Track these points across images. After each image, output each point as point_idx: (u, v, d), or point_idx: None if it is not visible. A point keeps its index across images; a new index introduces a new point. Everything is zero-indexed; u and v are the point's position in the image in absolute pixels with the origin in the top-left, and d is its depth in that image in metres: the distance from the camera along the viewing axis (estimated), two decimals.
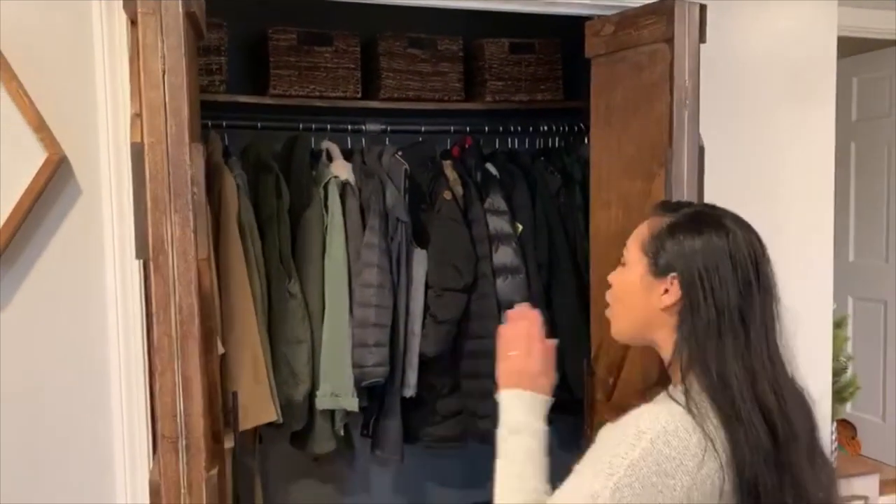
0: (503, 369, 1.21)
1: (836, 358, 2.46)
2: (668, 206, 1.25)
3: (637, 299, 1.18)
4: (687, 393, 1.08)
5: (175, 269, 1.54)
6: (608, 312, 1.26)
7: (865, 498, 2.57)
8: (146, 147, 1.52)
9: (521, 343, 1.22)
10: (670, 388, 1.13)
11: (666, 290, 1.13)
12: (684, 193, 1.89)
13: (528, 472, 1.14)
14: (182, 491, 1.58)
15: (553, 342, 1.27)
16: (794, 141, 2.36)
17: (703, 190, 1.93)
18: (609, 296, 1.25)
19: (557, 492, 1.10)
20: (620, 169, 2.03)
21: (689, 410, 1.06)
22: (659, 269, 1.14)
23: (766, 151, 2.33)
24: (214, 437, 1.66)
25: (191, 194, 1.54)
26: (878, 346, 3.90)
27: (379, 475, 2.83)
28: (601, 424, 1.28)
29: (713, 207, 1.23)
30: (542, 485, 1.14)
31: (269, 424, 2.12)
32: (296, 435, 2.25)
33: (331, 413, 2.19)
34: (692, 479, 1.03)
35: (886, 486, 3.47)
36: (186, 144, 1.53)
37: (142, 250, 1.55)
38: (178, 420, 1.56)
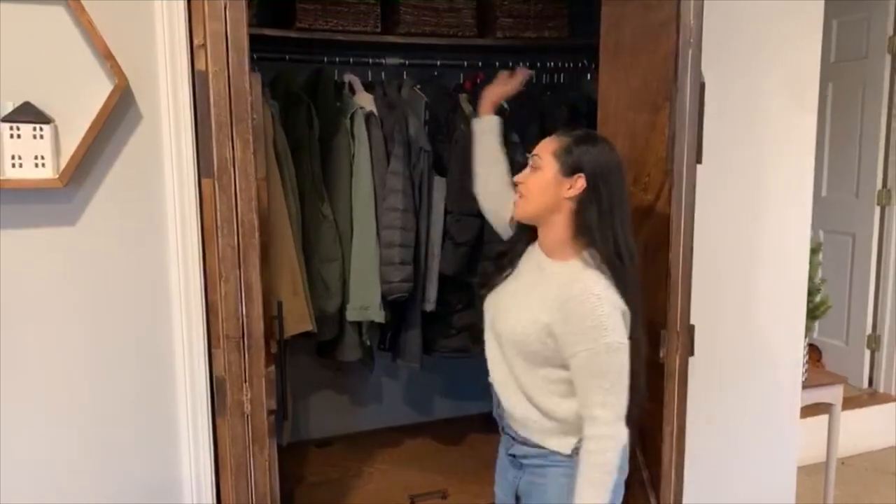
0: None
1: (810, 280, 2.70)
2: (565, 131, 1.68)
3: (548, 191, 1.59)
4: (594, 261, 1.57)
5: (237, 187, 1.71)
6: (518, 201, 1.65)
7: (830, 405, 2.85)
8: (210, 75, 1.67)
9: None
10: (575, 260, 1.60)
11: (570, 186, 1.58)
12: (686, 125, 2.07)
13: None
14: (244, 385, 1.78)
15: None
16: (780, 80, 2.54)
17: (703, 122, 2.12)
18: (522, 189, 1.64)
19: (580, 376, 1.57)
20: (627, 102, 2.19)
21: (603, 273, 1.56)
22: (568, 170, 1.58)
23: (754, 89, 2.51)
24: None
25: (250, 119, 1.70)
26: (845, 276, 4.18)
27: (390, 387, 3.06)
28: None
29: (595, 132, 1.83)
30: None
31: (299, 336, 2.31)
32: (324, 345, 2.46)
33: (358, 325, 2.39)
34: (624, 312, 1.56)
35: (846, 403, 3.80)
36: (247, 73, 1.68)
37: (207, 170, 1.71)
38: (241, 322, 1.76)
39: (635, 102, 2.17)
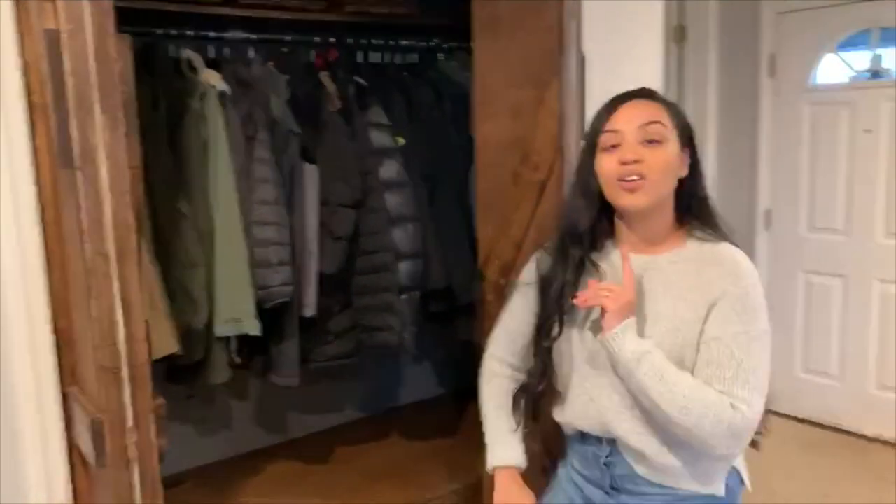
0: (612, 310, 1.28)
1: None
2: (645, 93, 1.39)
3: (672, 169, 1.34)
4: (713, 231, 1.37)
5: (107, 179, 1.35)
6: (638, 185, 1.30)
7: None
8: (64, 35, 1.29)
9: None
10: (699, 232, 1.37)
11: (683, 159, 1.36)
12: (573, 99, 2.03)
13: (675, 372, 1.27)
14: (128, 425, 1.42)
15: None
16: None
17: (585, 95, 2.08)
18: (643, 170, 1.30)
19: (739, 350, 1.26)
20: (508, 79, 2.08)
21: (734, 244, 1.35)
22: (684, 142, 1.35)
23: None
24: None
25: (119, 92, 1.35)
26: None
27: (238, 409, 2.71)
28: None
29: None
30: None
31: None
32: (178, 368, 2.07)
33: (226, 340, 2.05)
34: None
35: None
36: (112, 34, 1.33)
37: (66, 158, 1.33)
38: (120, 347, 1.40)
39: (517, 78, 2.07)
